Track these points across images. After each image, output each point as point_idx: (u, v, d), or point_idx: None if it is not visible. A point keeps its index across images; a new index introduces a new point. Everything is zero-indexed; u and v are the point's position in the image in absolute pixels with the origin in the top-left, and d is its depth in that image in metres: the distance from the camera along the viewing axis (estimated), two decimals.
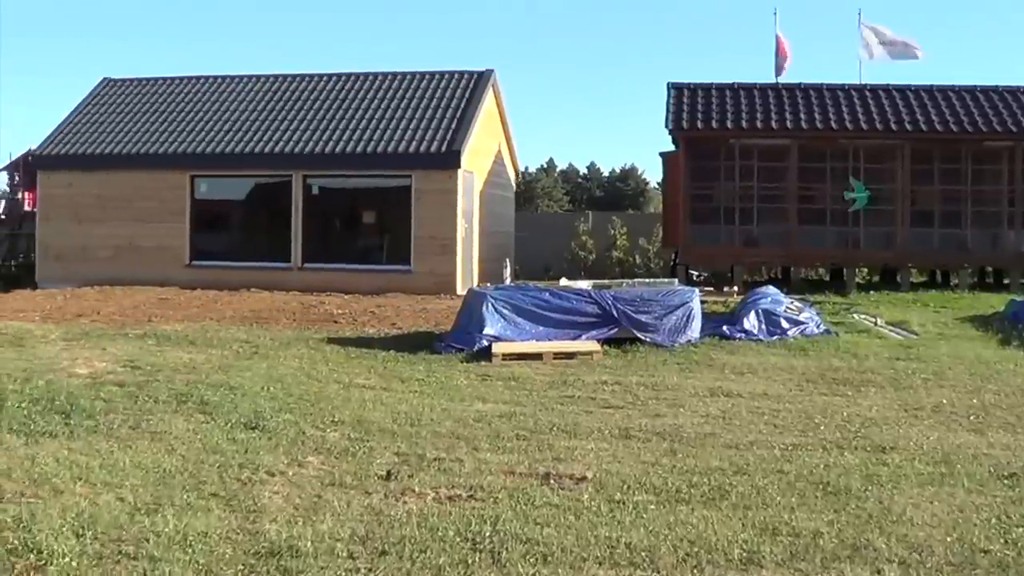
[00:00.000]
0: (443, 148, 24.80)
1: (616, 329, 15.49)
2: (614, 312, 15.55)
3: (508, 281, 25.87)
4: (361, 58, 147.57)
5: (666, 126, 26.64)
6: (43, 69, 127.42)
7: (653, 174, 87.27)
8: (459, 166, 24.62)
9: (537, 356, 14.26)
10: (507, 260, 26.05)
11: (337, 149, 25.36)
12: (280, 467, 8.56)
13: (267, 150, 25.68)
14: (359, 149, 25.24)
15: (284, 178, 25.70)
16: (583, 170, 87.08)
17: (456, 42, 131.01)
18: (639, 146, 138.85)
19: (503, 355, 14.26)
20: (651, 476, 8.29)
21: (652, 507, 7.46)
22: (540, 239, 33.47)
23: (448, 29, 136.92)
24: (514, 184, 32.80)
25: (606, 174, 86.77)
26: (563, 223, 37.40)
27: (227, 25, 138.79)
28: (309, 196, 25.81)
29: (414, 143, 25.14)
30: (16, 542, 6.45)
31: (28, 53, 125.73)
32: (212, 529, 6.84)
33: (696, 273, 28.78)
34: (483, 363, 14.03)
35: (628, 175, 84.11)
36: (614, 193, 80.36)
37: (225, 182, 26.80)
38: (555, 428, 10.08)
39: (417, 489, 7.89)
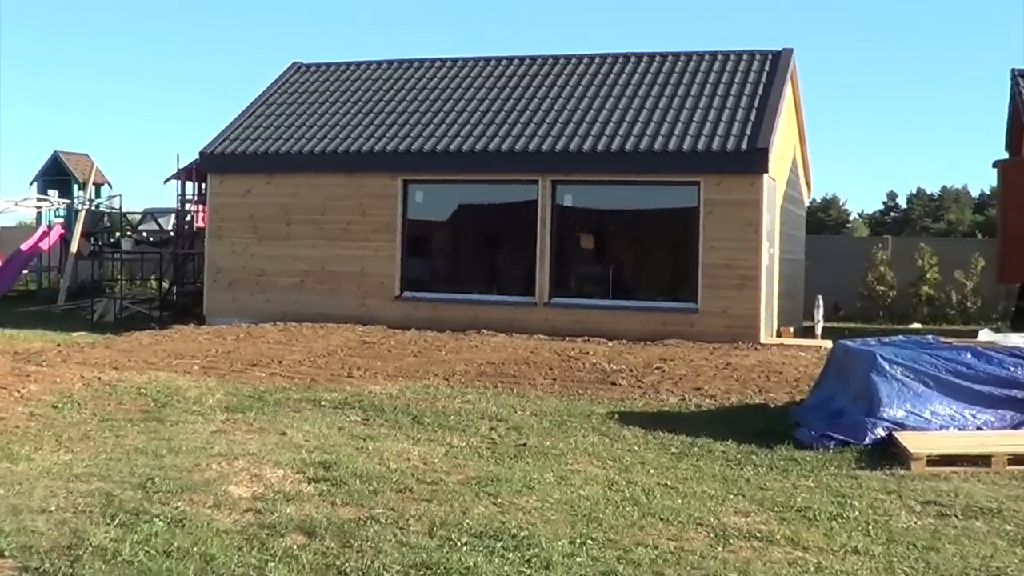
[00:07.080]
0: (742, 146, 19.21)
1: None
2: None
3: (820, 325, 20.39)
4: (612, 40, 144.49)
5: (1009, 123, 23.17)
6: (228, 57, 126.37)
7: (855, 204, 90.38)
8: (765, 170, 19.05)
9: (983, 461, 9.56)
10: (818, 298, 20.46)
11: (598, 147, 19.98)
12: None
13: (504, 148, 20.55)
14: (627, 147, 19.83)
15: (526, 184, 20.51)
16: None
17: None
18: (840, 176, 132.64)
19: (927, 458, 9.46)
20: None
21: None
22: (824, 269, 27.86)
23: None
24: (806, 200, 26.94)
25: (806, 203, 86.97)
26: (854, 250, 32.17)
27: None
28: (559, 209, 20.53)
29: (702, 139, 19.63)
30: None
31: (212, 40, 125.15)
32: None
33: None
34: (896, 470, 9.26)
35: (830, 205, 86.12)
36: (815, 224, 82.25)
37: (447, 190, 21.81)
38: None
39: None
